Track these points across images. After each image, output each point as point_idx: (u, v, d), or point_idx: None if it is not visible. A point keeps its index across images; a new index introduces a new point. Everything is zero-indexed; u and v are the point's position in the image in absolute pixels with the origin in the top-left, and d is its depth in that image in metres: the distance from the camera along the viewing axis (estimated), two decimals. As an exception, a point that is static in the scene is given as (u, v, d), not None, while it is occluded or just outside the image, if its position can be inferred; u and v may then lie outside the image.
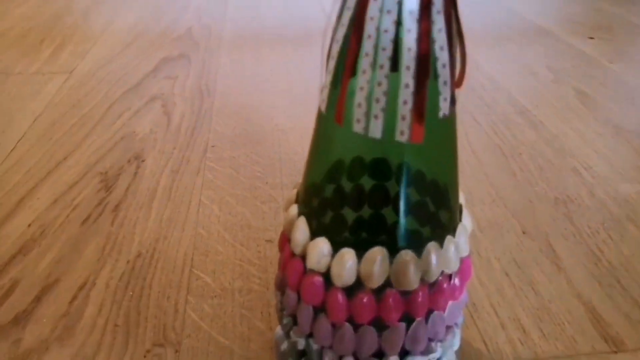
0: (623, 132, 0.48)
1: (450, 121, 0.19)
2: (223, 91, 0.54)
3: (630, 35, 0.72)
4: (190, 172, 0.41)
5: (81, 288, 0.30)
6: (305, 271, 0.20)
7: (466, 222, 0.22)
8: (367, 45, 0.17)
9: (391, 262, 0.19)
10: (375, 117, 0.17)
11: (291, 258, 0.21)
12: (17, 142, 0.44)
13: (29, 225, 0.35)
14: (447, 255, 0.20)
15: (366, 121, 0.17)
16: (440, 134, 0.19)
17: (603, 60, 0.63)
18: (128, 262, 0.32)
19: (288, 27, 0.74)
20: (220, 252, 0.33)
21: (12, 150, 0.43)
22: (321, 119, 0.20)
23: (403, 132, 0.17)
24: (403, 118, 0.17)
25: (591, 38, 0.71)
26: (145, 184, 0.39)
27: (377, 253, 0.19)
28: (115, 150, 0.43)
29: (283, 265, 0.22)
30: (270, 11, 0.81)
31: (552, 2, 0.89)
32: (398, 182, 0.19)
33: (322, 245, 0.20)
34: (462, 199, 0.22)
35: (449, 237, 0.20)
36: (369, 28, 0.16)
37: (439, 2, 0.16)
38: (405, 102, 0.16)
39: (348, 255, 0.19)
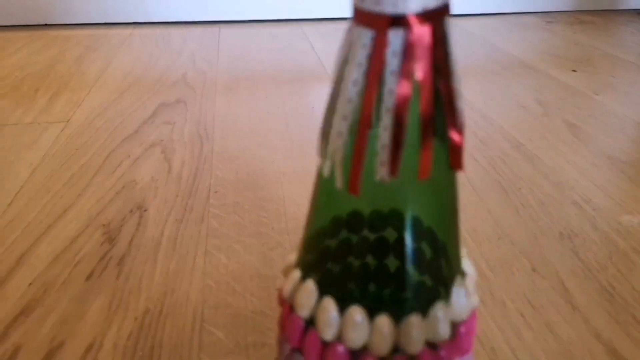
0: (617, 163, 0.49)
1: (445, 182, 0.18)
2: (221, 135, 0.54)
3: (610, 67, 0.75)
4: (194, 220, 0.40)
5: (88, 350, 0.29)
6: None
7: (468, 269, 0.21)
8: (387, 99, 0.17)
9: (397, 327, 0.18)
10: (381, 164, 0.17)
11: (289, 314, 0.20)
12: (15, 195, 0.43)
13: (30, 284, 0.34)
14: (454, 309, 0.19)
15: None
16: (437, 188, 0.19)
17: (589, 92, 0.65)
18: (136, 319, 0.31)
19: (281, 68, 0.75)
20: (231, 305, 0.32)
21: (9, 205, 0.42)
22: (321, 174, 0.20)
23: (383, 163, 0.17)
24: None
25: (574, 71, 0.73)
26: (149, 235, 0.38)
27: (384, 320, 0.18)
28: (116, 200, 0.43)
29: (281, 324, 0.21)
30: (262, 53, 0.82)
31: (532, 37, 0.92)
32: (398, 232, 0.19)
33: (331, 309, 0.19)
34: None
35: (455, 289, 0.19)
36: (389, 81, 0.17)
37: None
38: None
39: (358, 315, 0.18)
